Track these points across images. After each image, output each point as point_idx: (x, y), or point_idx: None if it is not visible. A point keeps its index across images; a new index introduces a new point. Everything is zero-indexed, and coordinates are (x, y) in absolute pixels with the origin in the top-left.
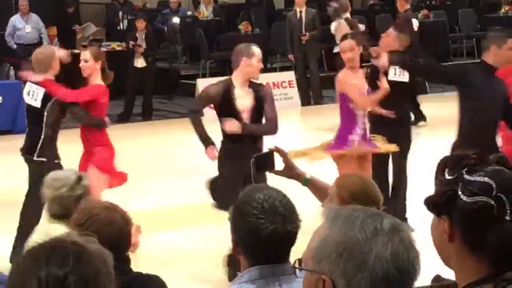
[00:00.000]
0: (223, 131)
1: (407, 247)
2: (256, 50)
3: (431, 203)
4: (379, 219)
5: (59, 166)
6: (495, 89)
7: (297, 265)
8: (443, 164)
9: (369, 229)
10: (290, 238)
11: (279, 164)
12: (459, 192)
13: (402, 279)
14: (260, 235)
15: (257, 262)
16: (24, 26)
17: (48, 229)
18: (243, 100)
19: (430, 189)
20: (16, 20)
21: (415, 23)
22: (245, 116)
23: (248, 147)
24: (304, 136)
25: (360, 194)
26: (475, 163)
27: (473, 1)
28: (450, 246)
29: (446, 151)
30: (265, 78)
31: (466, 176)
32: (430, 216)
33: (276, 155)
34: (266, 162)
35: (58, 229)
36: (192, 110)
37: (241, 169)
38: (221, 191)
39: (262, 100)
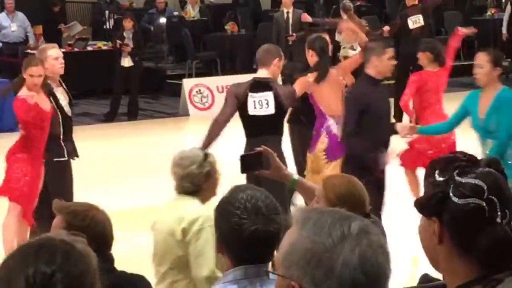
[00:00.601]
0: None
1: (375, 251)
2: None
3: (421, 204)
4: (347, 223)
5: (60, 164)
6: (383, 101)
7: (270, 267)
8: (434, 166)
9: (336, 235)
10: (273, 239)
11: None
12: (451, 194)
13: (371, 284)
14: (242, 235)
15: (240, 261)
16: (9, 24)
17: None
18: None
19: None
20: (1, 18)
21: (415, 20)
22: None
23: None
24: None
25: (347, 196)
26: (466, 164)
27: (459, 3)
28: (439, 248)
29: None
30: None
31: (458, 178)
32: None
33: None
34: (253, 162)
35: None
36: None
37: None
38: None
39: None
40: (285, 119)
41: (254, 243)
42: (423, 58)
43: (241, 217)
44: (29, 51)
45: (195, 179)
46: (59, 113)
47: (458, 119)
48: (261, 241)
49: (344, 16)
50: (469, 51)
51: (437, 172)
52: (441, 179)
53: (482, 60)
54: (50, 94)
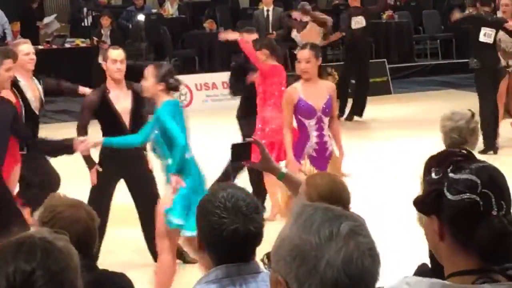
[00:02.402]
0: None
1: (363, 253)
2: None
3: (418, 204)
4: (337, 223)
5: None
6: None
7: (265, 259)
8: (430, 164)
9: (324, 234)
10: (253, 238)
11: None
12: (445, 191)
13: (355, 286)
14: (221, 234)
15: (221, 260)
16: None
17: None
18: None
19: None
20: None
21: (357, 21)
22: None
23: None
24: None
25: (328, 195)
26: (461, 160)
27: (437, 3)
28: (441, 245)
29: (411, 150)
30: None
31: (451, 175)
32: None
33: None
34: (243, 152)
35: None
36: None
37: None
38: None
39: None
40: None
41: (234, 243)
42: (261, 56)
43: (220, 216)
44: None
45: (462, 132)
46: (22, 106)
47: (151, 131)
48: (241, 240)
49: (305, 18)
50: (447, 50)
51: (432, 170)
52: (436, 177)
53: (147, 74)
54: (14, 85)
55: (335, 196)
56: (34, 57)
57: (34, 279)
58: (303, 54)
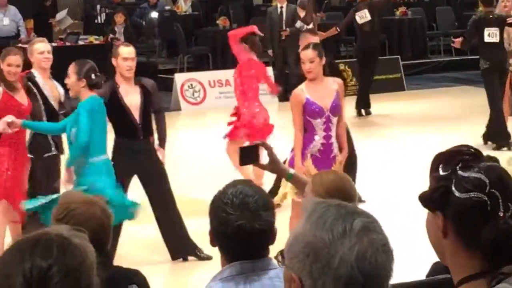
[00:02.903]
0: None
1: (376, 250)
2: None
3: (424, 199)
4: (350, 219)
5: (49, 159)
6: None
7: (279, 257)
8: (438, 160)
9: (337, 230)
10: (261, 235)
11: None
12: (453, 188)
13: (369, 283)
14: (227, 230)
15: (230, 256)
16: (2, 18)
17: None
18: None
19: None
20: None
21: (361, 15)
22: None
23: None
24: (281, 131)
25: (335, 192)
26: (470, 159)
27: None
28: (444, 242)
29: (424, 147)
30: None
31: (460, 172)
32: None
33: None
34: (251, 154)
35: None
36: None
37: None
38: None
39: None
40: None
41: (240, 239)
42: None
43: (227, 212)
44: (20, 45)
45: None
46: (41, 104)
47: (72, 121)
48: (246, 237)
49: (301, 13)
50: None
51: (441, 166)
52: (444, 173)
53: (69, 71)
54: (30, 80)
55: (342, 193)
56: (49, 56)
57: (50, 275)
58: (306, 54)
